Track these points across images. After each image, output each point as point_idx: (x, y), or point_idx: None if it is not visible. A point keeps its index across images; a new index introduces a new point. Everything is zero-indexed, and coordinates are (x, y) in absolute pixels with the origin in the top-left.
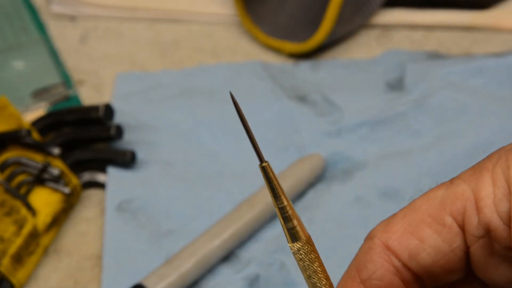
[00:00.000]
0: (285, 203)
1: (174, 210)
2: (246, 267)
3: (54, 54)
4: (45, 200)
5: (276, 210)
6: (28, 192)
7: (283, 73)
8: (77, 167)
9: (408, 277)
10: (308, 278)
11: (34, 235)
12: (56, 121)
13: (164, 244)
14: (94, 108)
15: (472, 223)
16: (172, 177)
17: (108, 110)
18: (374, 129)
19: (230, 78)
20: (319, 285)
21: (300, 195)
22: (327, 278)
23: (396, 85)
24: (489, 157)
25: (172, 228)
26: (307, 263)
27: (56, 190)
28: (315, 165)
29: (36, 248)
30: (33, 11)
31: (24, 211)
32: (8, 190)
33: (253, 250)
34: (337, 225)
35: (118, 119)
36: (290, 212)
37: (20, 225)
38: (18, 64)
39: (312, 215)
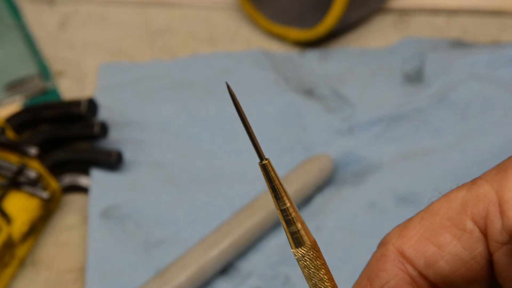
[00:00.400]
0: (288, 204)
1: (165, 217)
2: (246, 281)
3: (30, 42)
4: (21, 206)
5: (278, 212)
6: (1, 197)
7: (288, 63)
8: (57, 169)
9: (424, 287)
10: (314, 287)
11: (8, 245)
12: (33, 118)
13: (154, 255)
14: (75, 103)
15: (495, 227)
16: (162, 180)
17: (91, 105)
18: (390, 127)
19: (228, 69)
20: None
21: (306, 200)
22: (335, 287)
23: (415, 77)
24: None
25: (163, 237)
26: (312, 270)
27: (33, 195)
28: (324, 167)
29: (11, 260)
30: None
31: None
32: None
33: (254, 262)
34: (347, 233)
35: (102, 115)
36: (293, 214)
37: None
38: None
39: (319, 222)
